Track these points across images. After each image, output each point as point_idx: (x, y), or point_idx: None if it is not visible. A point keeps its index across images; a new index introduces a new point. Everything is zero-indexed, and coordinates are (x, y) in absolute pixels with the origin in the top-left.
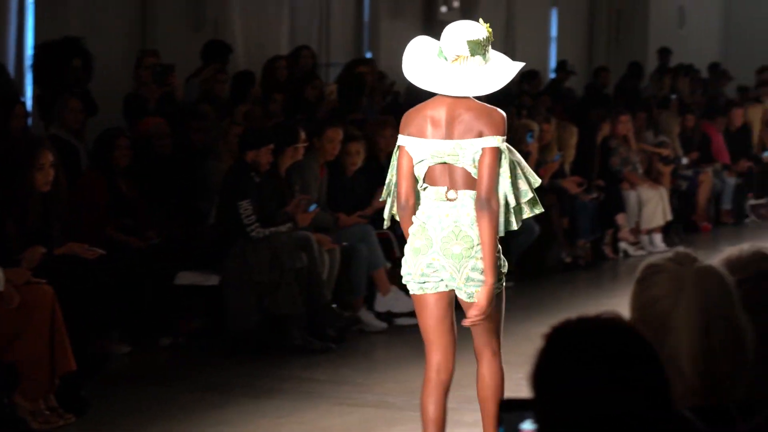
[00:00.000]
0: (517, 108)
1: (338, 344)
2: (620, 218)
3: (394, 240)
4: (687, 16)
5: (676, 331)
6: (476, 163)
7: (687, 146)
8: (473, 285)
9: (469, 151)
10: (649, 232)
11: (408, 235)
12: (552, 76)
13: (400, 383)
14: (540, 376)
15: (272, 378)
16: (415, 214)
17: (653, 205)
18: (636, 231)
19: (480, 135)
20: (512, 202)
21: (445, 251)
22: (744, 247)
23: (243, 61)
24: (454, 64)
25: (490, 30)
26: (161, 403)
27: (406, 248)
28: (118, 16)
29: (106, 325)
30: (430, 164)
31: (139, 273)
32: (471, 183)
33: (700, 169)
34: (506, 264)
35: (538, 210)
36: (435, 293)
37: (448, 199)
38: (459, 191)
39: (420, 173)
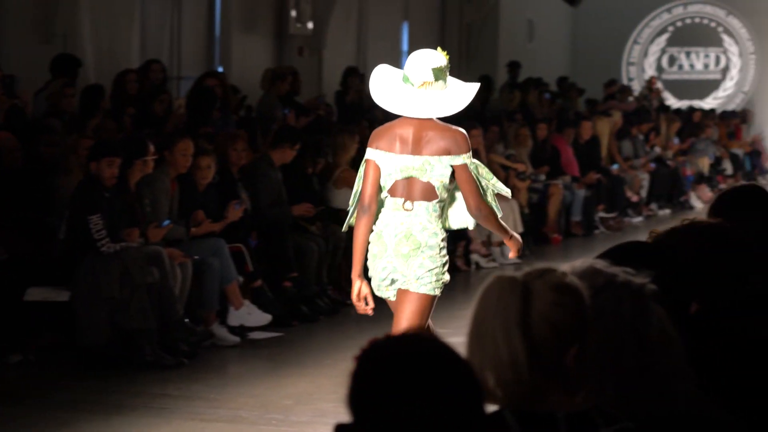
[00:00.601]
0: (371, 123)
1: (191, 359)
2: (472, 231)
3: (247, 253)
4: (536, 31)
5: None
6: (443, 178)
7: (537, 159)
8: (421, 281)
9: (437, 167)
10: (501, 244)
11: (360, 245)
12: None
13: (254, 398)
14: (355, 398)
15: (124, 394)
16: (374, 220)
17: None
18: (487, 243)
19: (447, 153)
20: (490, 201)
21: (396, 252)
22: (577, 263)
23: (93, 74)
24: (420, 89)
25: (448, 56)
26: (11, 421)
27: (369, 254)
28: None
29: None
30: (397, 178)
31: None
32: (429, 195)
33: (551, 182)
34: (447, 275)
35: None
36: (395, 299)
37: (404, 209)
38: (415, 202)
39: (386, 185)
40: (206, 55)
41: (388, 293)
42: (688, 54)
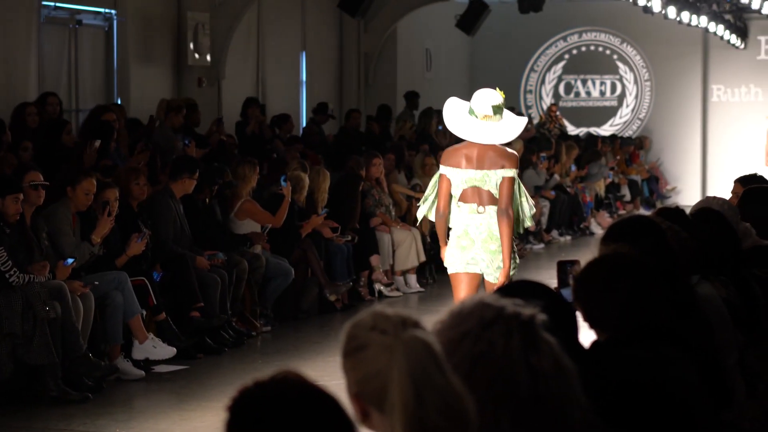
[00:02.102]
0: (269, 152)
1: (95, 394)
2: (374, 260)
3: (150, 287)
4: (434, 60)
5: (391, 405)
6: (498, 187)
7: None
8: (501, 271)
9: (493, 178)
10: (404, 273)
11: (442, 235)
12: (303, 119)
13: None
14: None
15: (28, 430)
16: (448, 221)
17: (406, 246)
18: (390, 272)
19: (502, 167)
20: (525, 212)
21: (485, 248)
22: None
23: None
24: (482, 121)
25: (504, 95)
26: None
27: (452, 245)
28: None
29: None
30: (464, 188)
31: None
32: (493, 201)
33: None
34: (518, 259)
35: (530, 224)
36: (472, 273)
37: (478, 213)
38: (486, 206)
39: (456, 193)
40: (105, 87)
41: (466, 269)
42: (584, 81)
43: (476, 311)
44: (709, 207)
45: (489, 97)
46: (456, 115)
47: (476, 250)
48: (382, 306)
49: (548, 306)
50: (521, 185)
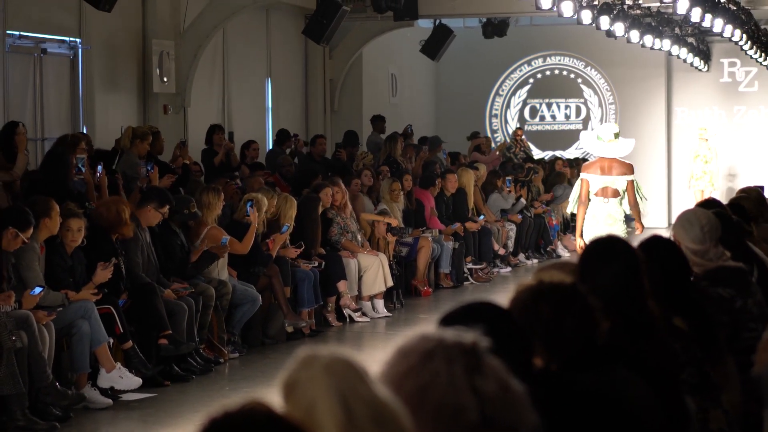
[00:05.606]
0: (232, 179)
1: (63, 423)
2: (341, 285)
3: (116, 315)
4: (399, 85)
5: (324, 426)
6: (622, 187)
7: (404, 212)
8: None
9: (619, 182)
10: (371, 298)
11: (580, 222)
12: (269, 146)
13: None
14: None
15: None
16: (586, 210)
17: (373, 271)
18: (357, 297)
19: (624, 174)
20: (641, 202)
21: (605, 224)
22: (411, 334)
23: None
24: (608, 143)
25: (618, 125)
26: None
27: (587, 225)
28: None
29: None
30: (598, 186)
31: None
32: (615, 195)
33: (419, 235)
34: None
35: (646, 200)
36: None
37: (604, 203)
38: (609, 199)
39: (592, 191)
40: (70, 115)
41: None
42: (549, 105)
43: (419, 345)
44: (658, 236)
45: (611, 127)
46: (589, 140)
47: (600, 225)
48: (309, 347)
49: (496, 328)
50: (638, 183)
